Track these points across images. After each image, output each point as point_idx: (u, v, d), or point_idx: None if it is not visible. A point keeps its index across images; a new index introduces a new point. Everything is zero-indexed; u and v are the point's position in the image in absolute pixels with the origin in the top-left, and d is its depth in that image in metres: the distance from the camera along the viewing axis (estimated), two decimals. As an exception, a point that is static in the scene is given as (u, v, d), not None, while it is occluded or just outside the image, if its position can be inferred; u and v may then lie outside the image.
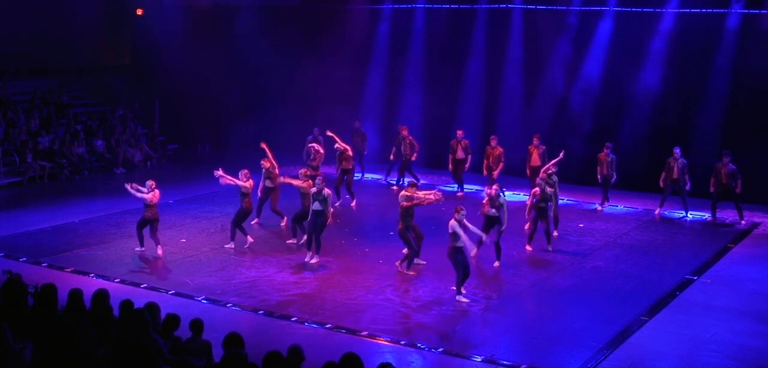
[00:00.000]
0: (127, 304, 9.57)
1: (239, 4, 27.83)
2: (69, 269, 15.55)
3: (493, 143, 21.57)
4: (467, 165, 22.15)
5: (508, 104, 25.12)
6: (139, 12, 28.88)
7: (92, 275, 15.24)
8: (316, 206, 16.12)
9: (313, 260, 16.18)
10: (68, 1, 26.35)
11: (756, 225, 20.02)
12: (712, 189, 20.10)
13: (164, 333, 9.21)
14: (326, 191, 16.30)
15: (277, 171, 18.34)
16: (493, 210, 15.99)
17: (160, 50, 27.59)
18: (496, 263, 16.14)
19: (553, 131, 24.35)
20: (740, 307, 14.51)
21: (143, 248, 16.69)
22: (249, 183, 17.09)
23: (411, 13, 26.21)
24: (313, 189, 16.28)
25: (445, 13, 25.77)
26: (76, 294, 9.59)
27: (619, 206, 21.34)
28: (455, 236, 14.19)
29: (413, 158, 22.77)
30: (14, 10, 25.34)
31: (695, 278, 15.99)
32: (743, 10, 22.07)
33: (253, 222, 18.48)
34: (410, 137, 22.72)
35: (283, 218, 18.77)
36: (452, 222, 14.26)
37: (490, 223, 16.07)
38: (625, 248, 18.01)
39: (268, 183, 18.46)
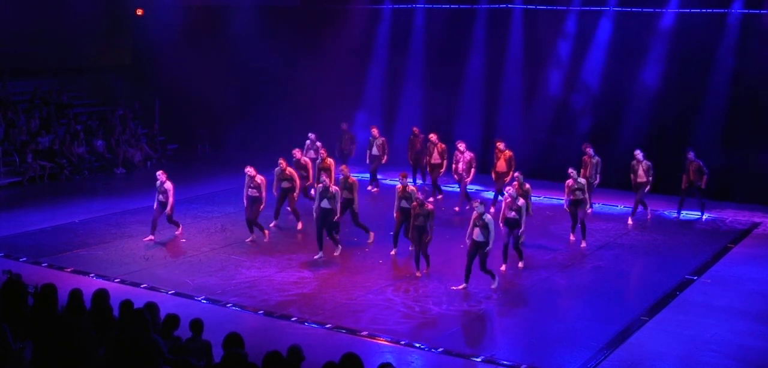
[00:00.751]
0: (127, 304, 9.57)
1: (239, 4, 27.82)
2: (69, 270, 15.55)
3: (461, 147, 20.42)
4: (443, 169, 21.44)
5: (508, 104, 25.12)
6: (139, 12, 28.88)
7: (92, 275, 15.25)
8: (324, 204, 16.34)
9: (317, 256, 16.47)
10: (68, 1, 26.35)
11: (756, 225, 20.02)
12: (683, 186, 19.97)
13: (164, 333, 9.21)
14: (334, 188, 16.56)
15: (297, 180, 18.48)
16: (513, 213, 15.92)
17: (160, 50, 27.58)
18: (521, 264, 16.18)
19: (553, 131, 24.38)
20: (740, 307, 14.51)
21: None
22: (259, 177, 17.39)
23: (411, 13, 26.21)
24: (319, 186, 16.62)
25: (445, 12, 25.76)
26: (76, 294, 9.59)
27: (619, 206, 21.32)
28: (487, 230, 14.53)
29: (384, 160, 22.35)
30: (14, 10, 25.35)
31: (695, 278, 15.99)
32: (743, 10, 22.07)
33: (271, 225, 18.46)
34: (383, 138, 22.28)
35: (299, 219, 18.78)
36: (489, 217, 14.70)
37: (510, 226, 16.03)
38: (625, 248, 18.02)
39: (284, 184, 18.30)
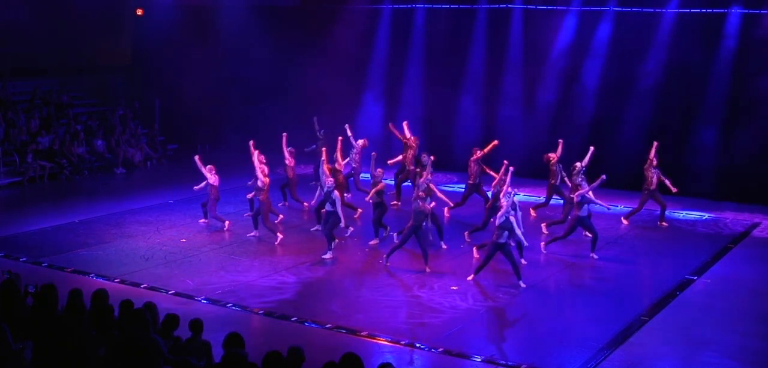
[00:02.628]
0: (127, 304, 9.57)
1: (239, 4, 27.81)
2: (69, 270, 15.55)
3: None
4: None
5: (508, 104, 25.11)
6: (139, 12, 28.87)
7: (92, 275, 15.24)
8: (328, 207, 16.52)
9: (327, 255, 16.52)
10: (68, 1, 26.35)
11: (756, 225, 20.01)
12: (645, 190, 19.34)
13: (164, 333, 9.21)
14: (336, 193, 16.60)
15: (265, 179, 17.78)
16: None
17: (160, 50, 27.57)
18: (523, 262, 16.22)
19: (553, 132, 24.33)
20: (740, 307, 14.51)
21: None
22: (266, 179, 17.57)
23: (411, 13, 26.21)
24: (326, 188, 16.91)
25: (445, 12, 25.76)
26: (76, 294, 9.58)
27: (618, 206, 21.28)
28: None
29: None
30: (14, 10, 25.33)
31: (695, 278, 15.99)
32: (743, 10, 22.06)
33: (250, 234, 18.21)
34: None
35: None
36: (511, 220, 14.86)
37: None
38: (625, 248, 18.01)
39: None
